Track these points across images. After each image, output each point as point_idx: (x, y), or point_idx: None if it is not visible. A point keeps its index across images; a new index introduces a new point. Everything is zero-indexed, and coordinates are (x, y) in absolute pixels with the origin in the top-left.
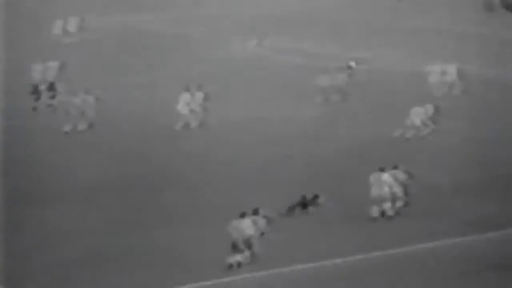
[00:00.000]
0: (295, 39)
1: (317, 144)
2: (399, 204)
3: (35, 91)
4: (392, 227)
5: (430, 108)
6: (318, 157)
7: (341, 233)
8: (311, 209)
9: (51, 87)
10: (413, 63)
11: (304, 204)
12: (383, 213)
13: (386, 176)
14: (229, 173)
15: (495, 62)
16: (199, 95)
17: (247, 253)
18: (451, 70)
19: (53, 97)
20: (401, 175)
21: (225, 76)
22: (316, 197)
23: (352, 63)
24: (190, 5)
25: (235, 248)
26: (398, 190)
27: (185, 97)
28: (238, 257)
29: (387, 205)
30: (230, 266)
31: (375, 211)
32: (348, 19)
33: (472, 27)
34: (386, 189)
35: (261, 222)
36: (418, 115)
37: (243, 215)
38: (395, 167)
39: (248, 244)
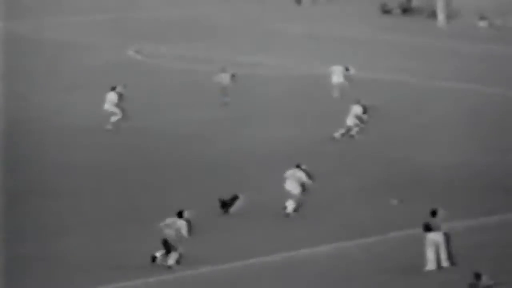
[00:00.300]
0: (184, 45)
1: (220, 145)
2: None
3: None
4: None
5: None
6: (227, 158)
7: (260, 232)
8: (231, 209)
9: None
10: (304, 67)
11: (224, 205)
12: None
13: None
14: (148, 176)
15: (385, 66)
16: None
17: (174, 253)
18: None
19: None
20: (301, 174)
21: (110, 82)
22: (235, 197)
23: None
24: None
25: (165, 247)
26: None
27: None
28: (167, 257)
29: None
30: (162, 266)
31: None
32: (237, 26)
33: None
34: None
35: (184, 223)
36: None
37: (171, 215)
38: (298, 166)
39: (175, 244)
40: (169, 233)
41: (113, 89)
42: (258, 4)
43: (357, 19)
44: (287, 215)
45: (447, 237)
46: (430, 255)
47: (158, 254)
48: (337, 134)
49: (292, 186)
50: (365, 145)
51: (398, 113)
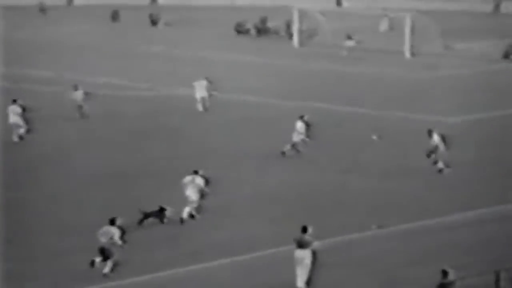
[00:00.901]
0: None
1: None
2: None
3: None
4: None
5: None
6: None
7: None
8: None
9: None
10: (159, 87)
11: (148, 216)
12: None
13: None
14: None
15: (239, 86)
16: None
17: (110, 261)
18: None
19: None
20: (200, 181)
21: None
22: (162, 209)
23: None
24: None
25: (102, 254)
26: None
27: None
28: (105, 263)
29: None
30: (103, 274)
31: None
32: (91, 46)
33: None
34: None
35: (117, 230)
36: None
37: (112, 222)
38: (196, 172)
39: (111, 252)
40: (104, 242)
41: (14, 101)
42: (115, 25)
43: (213, 41)
44: (182, 220)
45: (315, 256)
46: (298, 272)
47: (97, 259)
48: (285, 149)
49: (191, 191)
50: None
51: None
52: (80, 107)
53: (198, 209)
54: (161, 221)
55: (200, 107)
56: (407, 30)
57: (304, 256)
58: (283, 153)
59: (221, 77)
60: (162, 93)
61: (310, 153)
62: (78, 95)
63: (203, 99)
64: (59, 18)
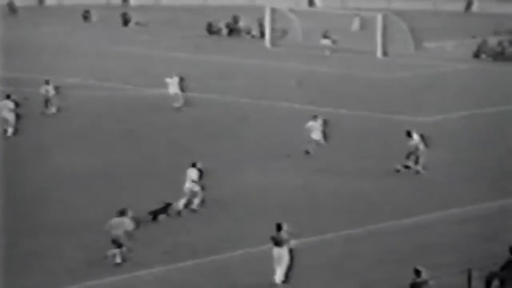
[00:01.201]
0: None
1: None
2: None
3: None
4: None
5: None
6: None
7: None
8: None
9: None
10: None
11: (155, 215)
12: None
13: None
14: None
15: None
16: None
17: (121, 250)
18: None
19: None
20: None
21: None
22: (169, 205)
23: None
24: None
25: (116, 245)
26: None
27: None
28: (117, 254)
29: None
30: (116, 264)
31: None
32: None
33: None
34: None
35: (129, 221)
36: None
37: (122, 214)
38: (193, 165)
39: (125, 242)
40: (117, 233)
41: (8, 97)
42: (87, 25)
43: (184, 40)
44: (179, 213)
45: (291, 253)
46: (276, 270)
47: (114, 251)
48: (309, 148)
49: (191, 184)
50: None
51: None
52: (48, 101)
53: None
54: (168, 215)
55: (176, 104)
56: (378, 30)
57: (282, 253)
58: (308, 152)
59: (192, 77)
60: (134, 92)
61: (286, 152)
62: (49, 89)
63: (176, 95)
64: (30, 18)
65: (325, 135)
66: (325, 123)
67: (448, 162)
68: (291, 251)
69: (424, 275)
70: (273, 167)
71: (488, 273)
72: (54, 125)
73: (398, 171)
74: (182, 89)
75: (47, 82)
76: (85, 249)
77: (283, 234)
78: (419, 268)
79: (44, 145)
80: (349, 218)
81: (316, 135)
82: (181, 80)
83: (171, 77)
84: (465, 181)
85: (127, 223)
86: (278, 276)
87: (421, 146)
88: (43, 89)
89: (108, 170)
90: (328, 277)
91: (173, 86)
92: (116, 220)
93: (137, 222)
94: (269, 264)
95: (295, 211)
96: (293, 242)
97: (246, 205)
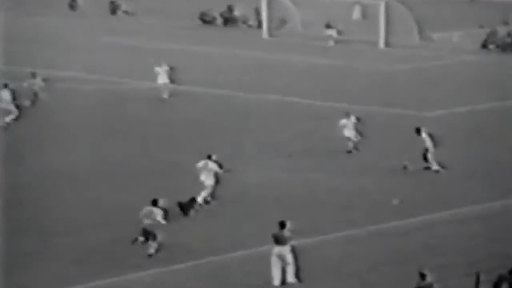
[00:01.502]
0: None
1: None
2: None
3: None
4: None
5: None
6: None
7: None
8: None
9: None
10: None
11: (182, 208)
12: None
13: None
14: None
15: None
16: None
17: (154, 242)
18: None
19: None
20: (213, 165)
21: None
22: (193, 199)
23: None
24: None
25: (144, 235)
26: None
27: None
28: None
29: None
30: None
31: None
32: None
33: None
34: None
35: (160, 211)
36: None
37: (154, 203)
38: (209, 157)
39: (155, 233)
40: (148, 223)
41: (5, 86)
42: (73, 14)
43: (176, 30)
44: (200, 206)
45: (294, 251)
46: (274, 270)
47: (140, 239)
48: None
49: (205, 177)
50: None
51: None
52: (35, 94)
53: (213, 194)
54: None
55: (164, 94)
56: (381, 19)
57: (284, 252)
58: (350, 151)
59: (185, 69)
60: (123, 86)
61: (285, 149)
62: (36, 82)
63: (165, 85)
64: (14, 7)
65: (359, 132)
66: (358, 120)
67: (452, 158)
68: (293, 250)
69: (429, 278)
70: (272, 165)
71: (496, 276)
72: (42, 120)
73: (405, 168)
74: (171, 79)
75: (33, 75)
76: (84, 249)
77: (286, 232)
78: (424, 271)
79: (32, 140)
80: (350, 217)
81: (349, 132)
82: (171, 69)
83: (160, 65)
84: (470, 179)
85: (156, 212)
86: (290, 274)
87: (430, 144)
88: (26, 83)
89: (100, 167)
90: (328, 277)
91: (162, 75)
92: (147, 209)
93: (166, 213)
94: (269, 265)
95: (295, 211)
96: (293, 242)
97: (246, 205)
